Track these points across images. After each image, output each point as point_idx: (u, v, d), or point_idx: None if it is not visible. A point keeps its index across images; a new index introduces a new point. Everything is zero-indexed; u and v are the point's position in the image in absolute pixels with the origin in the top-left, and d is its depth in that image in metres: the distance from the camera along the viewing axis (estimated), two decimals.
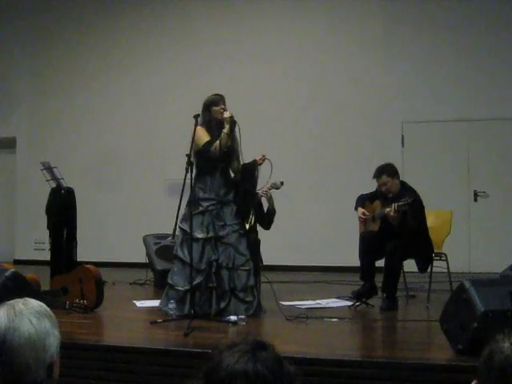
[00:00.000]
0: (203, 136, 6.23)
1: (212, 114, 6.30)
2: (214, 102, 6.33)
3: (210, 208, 6.22)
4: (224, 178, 6.34)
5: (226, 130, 6.18)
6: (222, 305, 6.09)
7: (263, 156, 6.34)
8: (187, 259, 6.06)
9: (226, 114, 6.19)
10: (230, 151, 6.30)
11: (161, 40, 11.89)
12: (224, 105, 6.32)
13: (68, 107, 12.33)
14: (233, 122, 6.19)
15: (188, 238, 6.07)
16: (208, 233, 6.18)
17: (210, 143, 6.20)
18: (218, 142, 6.16)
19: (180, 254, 6.22)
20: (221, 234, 6.19)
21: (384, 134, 10.66)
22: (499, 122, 10.27)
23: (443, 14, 10.60)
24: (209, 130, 6.29)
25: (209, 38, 11.54)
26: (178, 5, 11.88)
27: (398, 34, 10.75)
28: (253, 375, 1.45)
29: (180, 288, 6.12)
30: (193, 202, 6.20)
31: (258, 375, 1.46)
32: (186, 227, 6.17)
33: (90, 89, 12.22)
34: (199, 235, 6.15)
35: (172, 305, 6.07)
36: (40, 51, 12.61)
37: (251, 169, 6.34)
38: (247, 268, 6.20)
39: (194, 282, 6.03)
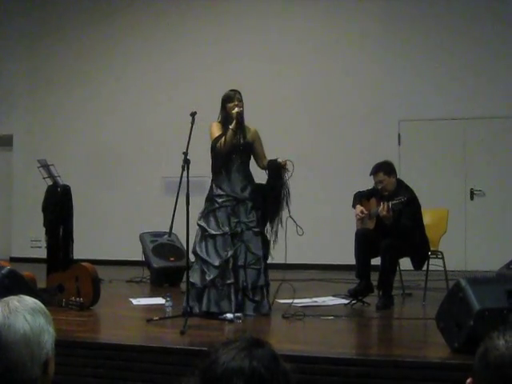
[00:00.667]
0: (215, 132, 6.30)
1: (227, 110, 6.33)
2: (228, 98, 6.38)
3: (224, 204, 6.21)
4: (240, 175, 6.31)
5: (231, 125, 6.20)
6: (239, 301, 6.04)
7: (286, 161, 6.29)
8: (204, 256, 6.10)
9: (234, 110, 6.21)
10: (246, 147, 6.29)
11: (158, 38, 11.88)
12: (239, 100, 6.33)
13: (65, 105, 12.31)
14: (240, 118, 6.19)
15: (206, 235, 6.13)
16: (223, 229, 6.15)
17: (217, 139, 6.23)
18: (223, 138, 6.18)
19: (198, 250, 6.21)
20: (236, 230, 6.16)
21: (380, 132, 10.67)
22: (495, 121, 10.28)
23: (439, 13, 10.60)
24: (222, 124, 6.35)
25: (207, 35, 11.53)
26: (177, 3, 11.87)
27: (395, 32, 10.75)
28: (249, 372, 1.45)
29: (198, 285, 6.10)
30: (209, 199, 6.28)
31: (253, 372, 1.46)
32: (203, 224, 6.21)
33: (87, 87, 12.20)
34: (214, 231, 6.16)
35: (168, 302, 6.08)
36: (37, 49, 12.59)
37: (277, 169, 6.31)
38: (258, 267, 6.17)
39: (209, 279, 6.04)
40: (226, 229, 6.14)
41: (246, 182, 6.33)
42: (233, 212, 6.20)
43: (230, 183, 6.26)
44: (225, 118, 6.37)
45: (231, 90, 6.45)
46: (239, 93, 6.42)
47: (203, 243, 6.19)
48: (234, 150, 6.27)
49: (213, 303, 6.03)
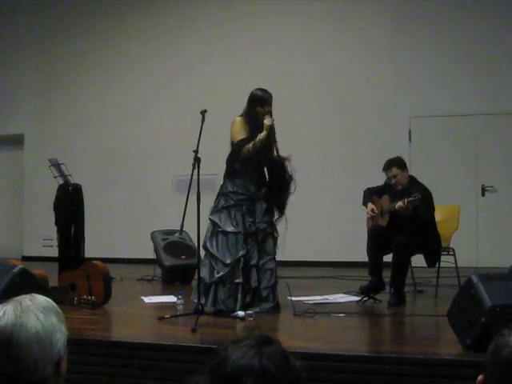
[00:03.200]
0: (240, 131, 6.15)
1: (255, 111, 6.17)
2: (259, 100, 6.16)
3: (240, 203, 6.14)
4: (257, 174, 6.25)
5: (262, 136, 6.07)
6: (248, 299, 6.04)
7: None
8: (214, 251, 6.08)
9: (267, 121, 6.08)
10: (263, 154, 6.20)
11: (167, 36, 11.91)
12: (269, 106, 6.17)
13: (75, 104, 12.36)
14: (272, 131, 6.09)
15: (218, 231, 6.10)
16: (237, 228, 6.11)
17: (243, 142, 6.11)
18: (251, 144, 6.06)
19: (208, 246, 6.17)
20: (250, 230, 6.13)
21: (391, 128, 10.65)
22: (507, 117, 10.23)
23: (451, 10, 10.57)
24: (246, 123, 6.18)
25: (216, 34, 11.55)
26: (186, 2, 11.88)
27: (407, 29, 10.73)
28: (259, 370, 1.45)
29: (206, 280, 6.09)
30: (223, 195, 6.20)
31: (264, 370, 1.45)
32: (216, 219, 6.16)
33: (96, 85, 12.25)
34: (228, 229, 6.10)
35: (180, 300, 6.08)
36: (46, 49, 12.65)
37: (281, 163, 6.25)
38: (271, 267, 6.15)
39: (218, 275, 6.03)
40: (240, 228, 6.09)
41: (261, 181, 6.28)
42: (248, 211, 6.14)
43: (246, 182, 6.19)
44: (250, 118, 6.19)
45: (263, 91, 6.22)
46: (271, 96, 6.21)
47: (214, 239, 6.15)
48: (261, 160, 6.19)
49: (219, 301, 6.03)
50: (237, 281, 6.02)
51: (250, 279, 6.08)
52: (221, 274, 6.04)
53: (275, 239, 6.29)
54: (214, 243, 6.14)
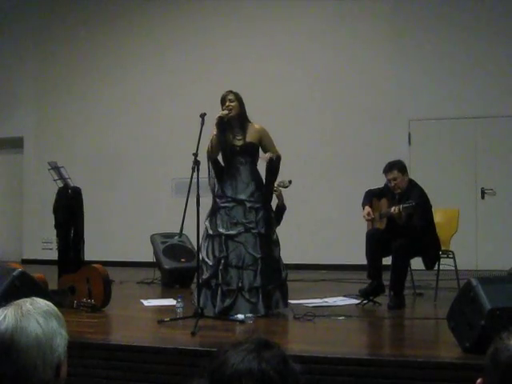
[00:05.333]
0: (211, 135, 6.27)
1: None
2: (221, 101, 6.33)
3: (223, 205, 6.22)
4: (244, 176, 6.26)
5: (214, 131, 6.25)
6: (227, 303, 6.02)
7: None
8: (204, 255, 6.19)
9: (217, 115, 6.20)
10: (246, 148, 6.24)
11: (166, 39, 11.92)
12: (230, 101, 6.25)
13: (74, 107, 12.37)
14: (218, 124, 6.16)
15: (207, 235, 6.21)
16: (218, 230, 6.17)
17: (210, 143, 6.25)
18: (209, 143, 6.22)
19: (201, 249, 6.26)
20: (232, 232, 6.14)
21: (391, 131, 10.65)
22: (506, 119, 10.23)
23: (450, 13, 10.57)
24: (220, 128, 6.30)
25: (215, 37, 11.55)
26: (184, 4, 11.89)
27: (406, 31, 10.73)
28: (258, 374, 1.45)
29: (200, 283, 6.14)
30: (214, 198, 6.33)
31: (263, 374, 1.46)
32: (207, 223, 6.29)
33: (95, 89, 12.25)
34: (210, 232, 6.21)
35: (179, 303, 6.09)
36: (46, 53, 12.65)
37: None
38: (254, 268, 6.12)
39: (204, 278, 6.09)
40: (221, 230, 6.16)
41: (249, 182, 6.29)
42: (230, 213, 6.20)
43: (232, 184, 6.26)
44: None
45: (226, 91, 6.37)
46: (233, 93, 6.33)
47: (205, 243, 6.25)
48: (226, 153, 6.25)
49: (206, 303, 6.05)
50: (217, 282, 6.08)
51: (231, 281, 6.10)
52: (207, 276, 6.12)
53: (267, 240, 6.25)
54: (205, 247, 6.23)
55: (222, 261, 6.10)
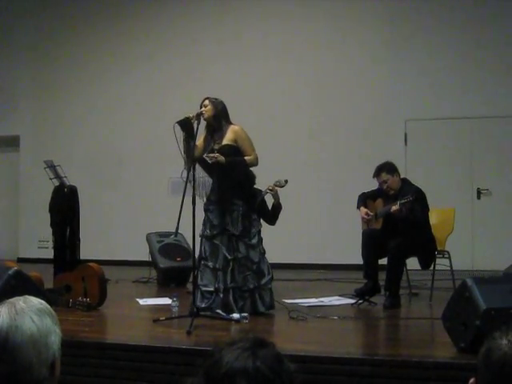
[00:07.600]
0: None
1: None
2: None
3: (206, 207, 6.31)
4: (226, 179, 6.27)
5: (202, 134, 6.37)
6: (205, 303, 6.07)
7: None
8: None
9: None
10: (222, 151, 6.21)
11: (164, 38, 11.90)
12: (204, 106, 6.34)
13: (71, 106, 12.35)
14: (182, 125, 6.20)
15: (200, 236, 6.26)
16: (204, 231, 6.25)
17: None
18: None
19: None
20: (210, 233, 6.21)
21: (387, 131, 10.66)
22: (502, 120, 10.26)
23: (445, 13, 10.59)
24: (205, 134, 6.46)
25: (213, 37, 11.54)
26: (183, 3, 11.88)
27: (402, 32, 10.74)
28: (252, 372, 1.45)
29: None
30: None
31: (257, 372, 1.46)
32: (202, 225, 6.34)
33: (92, 88, 12.24)
34: (201, 233, 6.28)
35: (175, 302, 6.10)
36: (43, 50, 12.63)
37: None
38: (227, 269, 6.13)
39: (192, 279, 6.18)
40: (206, 232, 6.23)
41: (219, 188, 6.29)
42: (211, 215, 6.25)
43: (215, 188, 6.31)
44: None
45: (204, 98, 6.45)
46: (209, 99, 6.39)
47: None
48: (202, 157, 6.23)
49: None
50: (197, 284, 6.11)
51: (209, 282, 6.15)
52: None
53: (241, 241, 6.20)
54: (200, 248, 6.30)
55: (202, 262, 6.19)
